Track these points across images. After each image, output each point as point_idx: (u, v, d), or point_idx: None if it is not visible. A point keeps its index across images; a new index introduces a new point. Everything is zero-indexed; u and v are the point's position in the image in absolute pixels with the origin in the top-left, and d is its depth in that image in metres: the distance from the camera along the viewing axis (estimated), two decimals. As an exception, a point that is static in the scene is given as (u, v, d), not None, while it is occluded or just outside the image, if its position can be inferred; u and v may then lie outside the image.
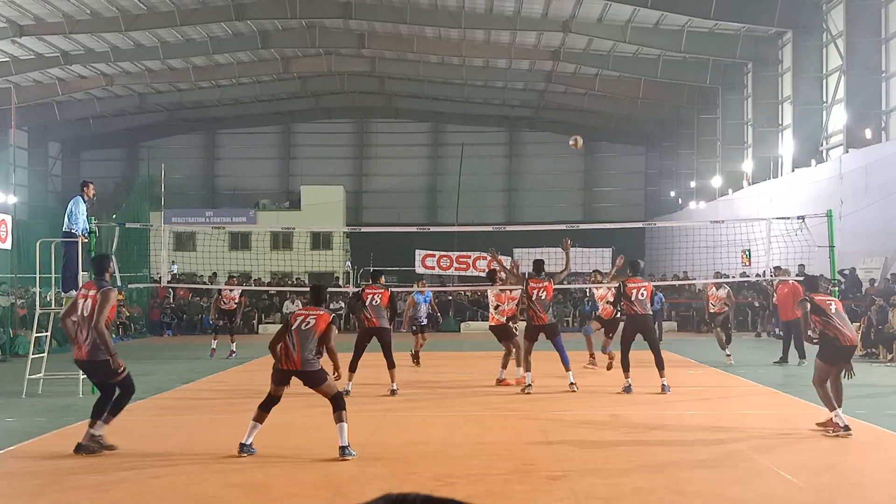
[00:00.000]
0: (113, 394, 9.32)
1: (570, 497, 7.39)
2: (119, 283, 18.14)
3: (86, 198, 14.74)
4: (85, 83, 43.73)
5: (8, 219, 21.18)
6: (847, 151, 27.85)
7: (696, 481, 7.95)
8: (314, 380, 8.99)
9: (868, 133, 27.60)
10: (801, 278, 11.66)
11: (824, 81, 31.98)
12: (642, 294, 13.60)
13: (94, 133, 51.76)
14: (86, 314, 9.14)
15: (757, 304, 28.26)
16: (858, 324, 20.55)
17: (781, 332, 20.05)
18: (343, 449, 8.80)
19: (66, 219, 14.57)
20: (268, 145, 55.18)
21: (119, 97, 47.55)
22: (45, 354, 14.99)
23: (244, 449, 9.03)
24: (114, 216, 26.50)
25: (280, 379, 9.10)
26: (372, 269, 16.12)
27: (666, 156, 50.63)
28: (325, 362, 9.18)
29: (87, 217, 14.74)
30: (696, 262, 26.08)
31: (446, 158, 52.03)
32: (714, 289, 18.48)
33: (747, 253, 28.32)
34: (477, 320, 33.50)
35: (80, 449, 9.16)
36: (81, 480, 8.17)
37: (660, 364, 13.59)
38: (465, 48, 39.75)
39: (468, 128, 52.32)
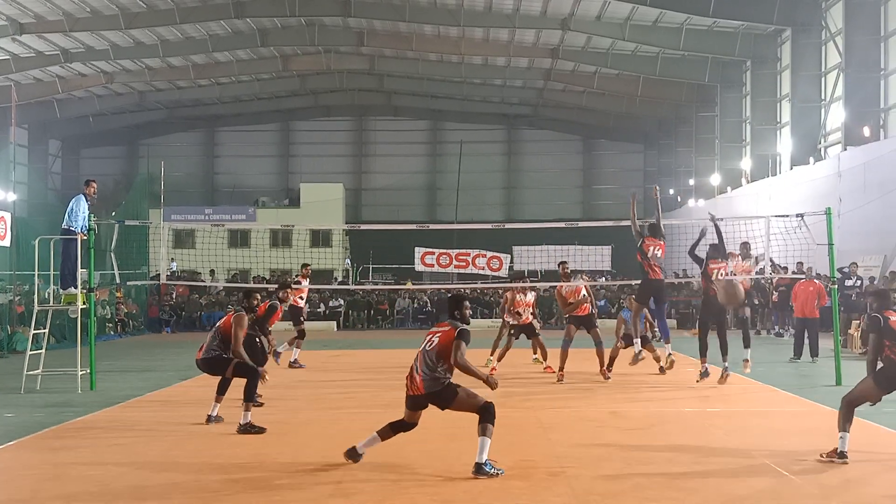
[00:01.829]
0: (252, 380, 10.51)
1: (568, 493, 7.41)
2: (118, 281, 18.18)
3: (88, 196, 14.75)
4: (85, 81, 43.74)
5: (7, 216, 21.20)
6: (845, 149, 27.86)
7: (695, 478, 7.97)
8: (445, 398, 8.10)
9: (866, 131, 27.60)
10: (872, 292, 9.95)
11: (823, 79, 32.00)
12: (722, 275, 14.08)
13: (93, 131, 51.79)
14: (218, 324, 10.99)
15: (757, 302, 28.23)
16: (857, 321, 20.57)
17: (793, 329, 19.93)
18: (479, 466, 7.85)
19: (66, 215, 14.56)
20: (267, 143, 55.22)
21: (119, 95, 47.57)
22: (43, 351, 14.99)
23: (351, 454, 8.35)
24: (113, 213, 26.49)
25: (411, 405, 8.25)
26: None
27: (664, 153, 50.67)
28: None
29: (87, 215, 14.74)
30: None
31: (445, 156, 52.08)
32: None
33: (746, 251, 28.26)
34: (476, 318, 33.50)
35: (240, 429, 10.23)
36: (80, 475, 8.19)
37: (724, 350, 13.93)
38: (464, 46, 39.78)
39: (467, 125, 52.34)
